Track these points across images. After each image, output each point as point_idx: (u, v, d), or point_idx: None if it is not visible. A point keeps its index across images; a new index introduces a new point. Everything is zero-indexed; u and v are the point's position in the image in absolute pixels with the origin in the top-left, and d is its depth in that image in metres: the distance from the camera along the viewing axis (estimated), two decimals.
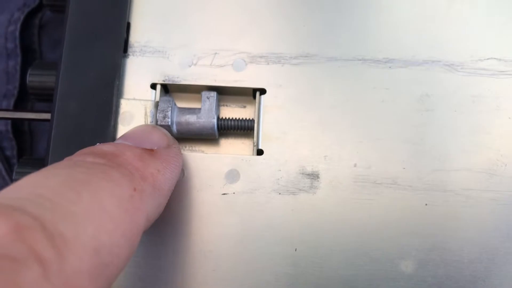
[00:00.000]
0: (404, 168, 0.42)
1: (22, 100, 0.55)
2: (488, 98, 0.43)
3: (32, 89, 0.47)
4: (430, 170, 0.42)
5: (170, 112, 0.41)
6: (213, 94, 0.43)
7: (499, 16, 0.44)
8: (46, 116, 0.44)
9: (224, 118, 0.43)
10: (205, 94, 0.43)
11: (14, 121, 0.54)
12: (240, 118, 0.43)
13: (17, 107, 0.55)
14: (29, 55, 0.57)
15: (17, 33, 0.55)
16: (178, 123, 0.42)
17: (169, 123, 0.41)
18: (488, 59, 0.44)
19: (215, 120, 0.42)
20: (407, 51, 0.44)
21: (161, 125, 0.41)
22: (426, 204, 0.41)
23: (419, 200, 0.41)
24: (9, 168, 0.54)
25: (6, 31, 0.56)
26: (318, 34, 0.44)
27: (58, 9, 0.48)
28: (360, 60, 0.43)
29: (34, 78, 0.46)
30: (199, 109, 0.42)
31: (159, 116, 0.41)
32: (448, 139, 0.42)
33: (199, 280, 0.40)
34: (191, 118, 0.42)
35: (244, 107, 0.45)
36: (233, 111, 0.45)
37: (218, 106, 0.43)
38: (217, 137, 0.43)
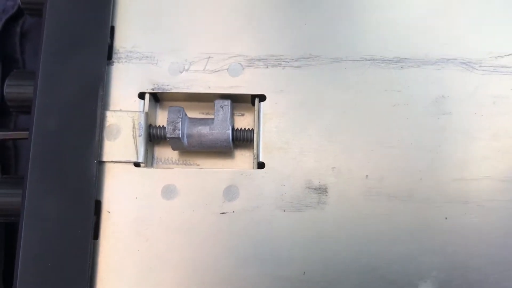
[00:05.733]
0: (420, 179, 0.38)
1: (5, 114, 0.51)
2: (510, 99, 0.39)
3: (10, 101, 0.43)
4: (449, 180, 0.38)
5: (180, 124, 0.37)
6: (227, 102, 0.39)
7: None
8: (24, 134, 0.40)
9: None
10: (218, 103, 0.39)
11: None
12: (238, 128, 0.39)
13: None
14: (10, 64, 0.53)
15: None
16: (190, 136, 0.38)
17: (180, 135, 0.37)
18: (508, 55, 0.40)
19: (230, 132, 0.38)
20: (419, 49, 0.40)
21: (170, 138, 0.38)
22: (446, 218, 0.37)
23: (438, 214, 0.37)
24: None
25: None
26: (321, 33, 0.40)
27: (37, 13, 0.44)
28: (369, 60, 0.39)
29: (12, 90, 0.43)
30: (212, 119, 0.39)
31: (169, 128, 0.37)
32: (468, 145, 0.38)
33: None
34: (204, 130, 0.38)
35: (243, 114, 0.41)
36: None
37: (232, 115, 0.40)
38: (232, 149, 0.39)
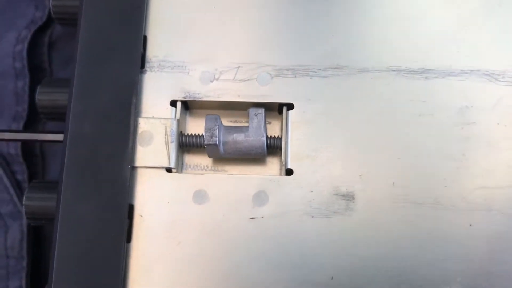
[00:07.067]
0: (445, 187, 0.39)
1: (32, 122, 0.53)
2: None
3: (42, 108, 0.44)
4: (474, 188, 0.39)
5: (217, 131, 0.39)
6: (261, 110, 0.40)
7: None
8: (59, 137, 0.41)
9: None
10: (252, 111, 0.40)
11: (25, 144, 0.52)
12: (271, 136, 0.40)
13: (27, 130, 0.52)
14: (39, 74, 0.54)
15: (24, 53, 0.53)
16: (225, 143, 0.39)
17: (217, 142, 0.39)
18: None
19: (264, 139, 0.39)
20: (444, 60, 0.41)
21: (208, 145, 0.39)
22: (470, 225, 0.38)
23: (463, 221, 0.38)
24: (21, 193, 0.51)
25: (13, 50, 0.53)
26: (348, 44, 0.41)
27: (68, 23, 0.46)
28: (394, 71, 0.40)
29: (44, 97, 0.44)
30: (247, 127, 0.40)
31: (206, 135, 0.39)
32: (492, 154, 0.39)
33: None
34: (239, 137, 0.39)
35: (269, 123, 0.42)
36: None
37: (266, 122, 0.40)
38: (265, 156, 0.41)
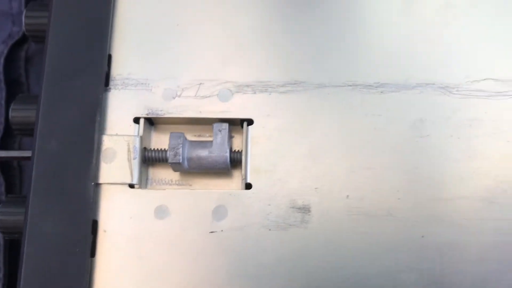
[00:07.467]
0: (399, 199, 0.40)
1: (10, 136, 0.54)
2: (485, 121, 0.41)
3: (15, 124, 0.45)
4: (426, 200, 0.40)
5: (181, 149, 0.40)
6: (225, 126, 0.41)
7: (494, 35, 0.43)
8: (28, 154, 0.43)
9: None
10: (216, 126, 0.41)
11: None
12: (235, 150, 0.42)
13: (3, 143, 0.53)
14: (16, 88, 0.55)
15: (1, 67, 0.54)
16: (190, 159, 0.41)
17: (180, 161, 0.40)
18: (484, 79, 0.42)
19: (227, 155, 0.41)
20: (399, 74, 0.42)
21: (172, 163, 0.40)
22: (422, 236, 0.39)
23: (415, 232, 0.39)
24: None
25: None
26: (305, 60, 0.42)
27: (41, 40, 0.47)
28: (351, 85, 0.42)
29: (17, 113, 0.45)
30: (211, 142, 0.41)
31: (170, 154, 0.40)
32: (445, 166, 0.40)
33: None
34: (203, 153, 0.41)
35: (232, 137, 0.43)
36: None
37: (230, 137, 0.42)
38: (230, 170, 0.42)
